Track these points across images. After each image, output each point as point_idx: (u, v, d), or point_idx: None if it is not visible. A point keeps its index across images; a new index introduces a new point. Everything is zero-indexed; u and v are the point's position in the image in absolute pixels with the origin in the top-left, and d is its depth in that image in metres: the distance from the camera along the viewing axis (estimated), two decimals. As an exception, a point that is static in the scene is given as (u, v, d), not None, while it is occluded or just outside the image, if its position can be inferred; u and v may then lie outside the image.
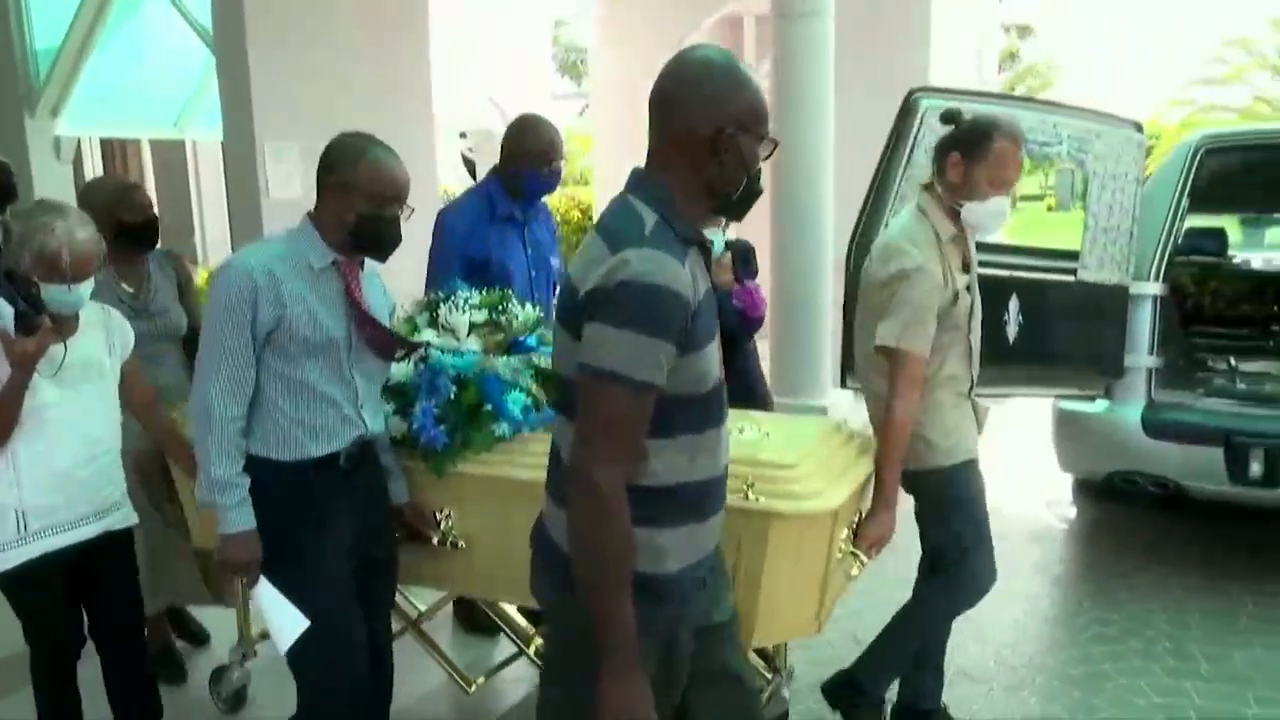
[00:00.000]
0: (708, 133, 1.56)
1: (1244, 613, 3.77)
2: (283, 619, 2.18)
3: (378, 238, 2.21)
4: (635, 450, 1.52)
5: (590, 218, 9.62)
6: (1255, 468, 3.70)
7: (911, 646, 2.78)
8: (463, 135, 13.01)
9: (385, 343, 2.31)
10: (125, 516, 2.52)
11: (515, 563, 2.37)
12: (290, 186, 4.70)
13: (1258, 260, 7.22)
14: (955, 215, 2.58)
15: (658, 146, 1.61)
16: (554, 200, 12.71)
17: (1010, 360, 3.53)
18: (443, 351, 2.53)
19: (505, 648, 3.28)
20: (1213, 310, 5.57)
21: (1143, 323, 3.92)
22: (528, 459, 2.36)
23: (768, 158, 1.63)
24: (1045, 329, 3.66)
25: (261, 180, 4.59)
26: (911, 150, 3.49)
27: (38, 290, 2.27)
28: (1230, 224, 8.55)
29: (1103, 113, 3.95)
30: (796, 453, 2.25)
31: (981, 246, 3.36)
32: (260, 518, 2.16)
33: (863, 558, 2.41)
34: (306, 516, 2.21)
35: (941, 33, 7.51)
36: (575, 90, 21.96)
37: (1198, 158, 4.14)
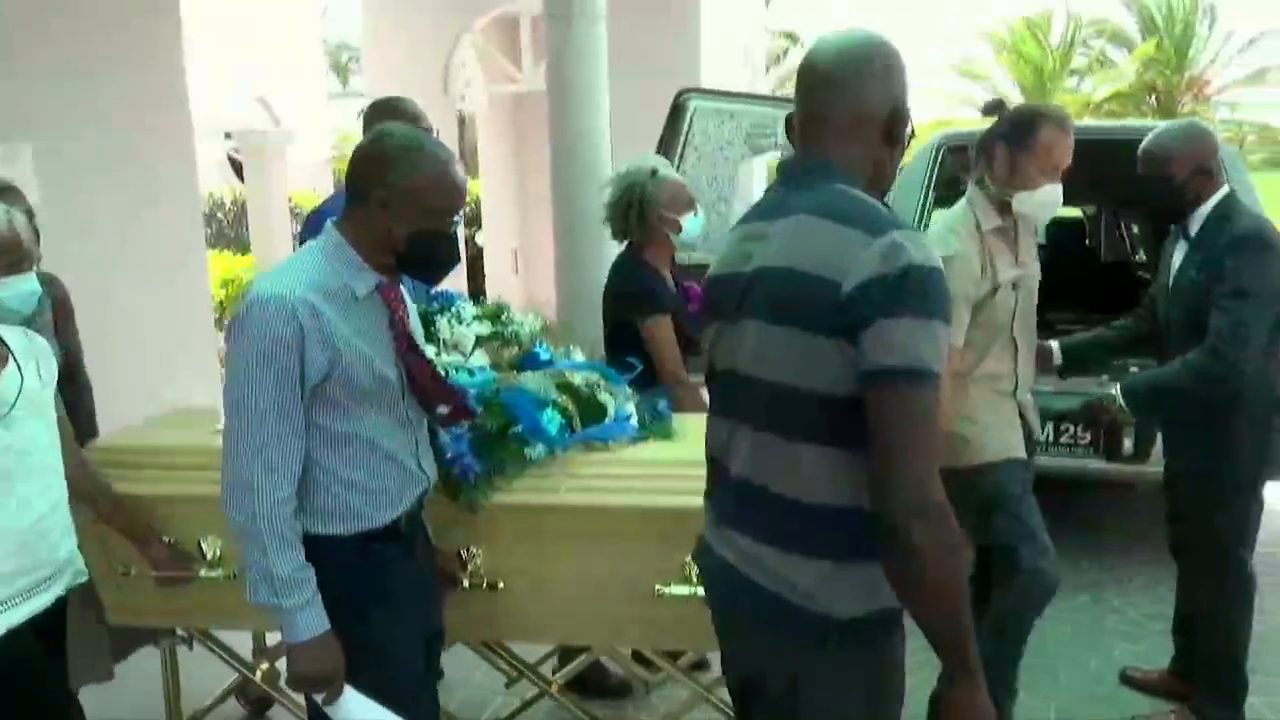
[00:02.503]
0: (884, 112, 1.44)
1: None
2: None
3: (435, 259, 1.83)
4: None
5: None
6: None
7: (1006, 658, 2.66)
8: (228, 136, 12.29)
9: (439, 394, 1.90)
10: (78, 573, 2.08)
11: (556, 599, 2.23)
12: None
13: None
14: (1004, 208, 2.54)
15: (831, 133, 1.45)
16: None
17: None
18: (456, 370, 2.26)
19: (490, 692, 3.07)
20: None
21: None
22: (561, 482, 2.17)
23: (905, 148, 1.52)
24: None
25: (-11, 187, 4.12)
26: (684, 148, 3.61)
27: None
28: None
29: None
30: None
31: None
32: (327, 611, 1.74)
33: None
34: (379, 600, 1.82)
35: (712, 35, 7.79)
36: (353, 89, 21.21)
37: (939, 156, 4.49)
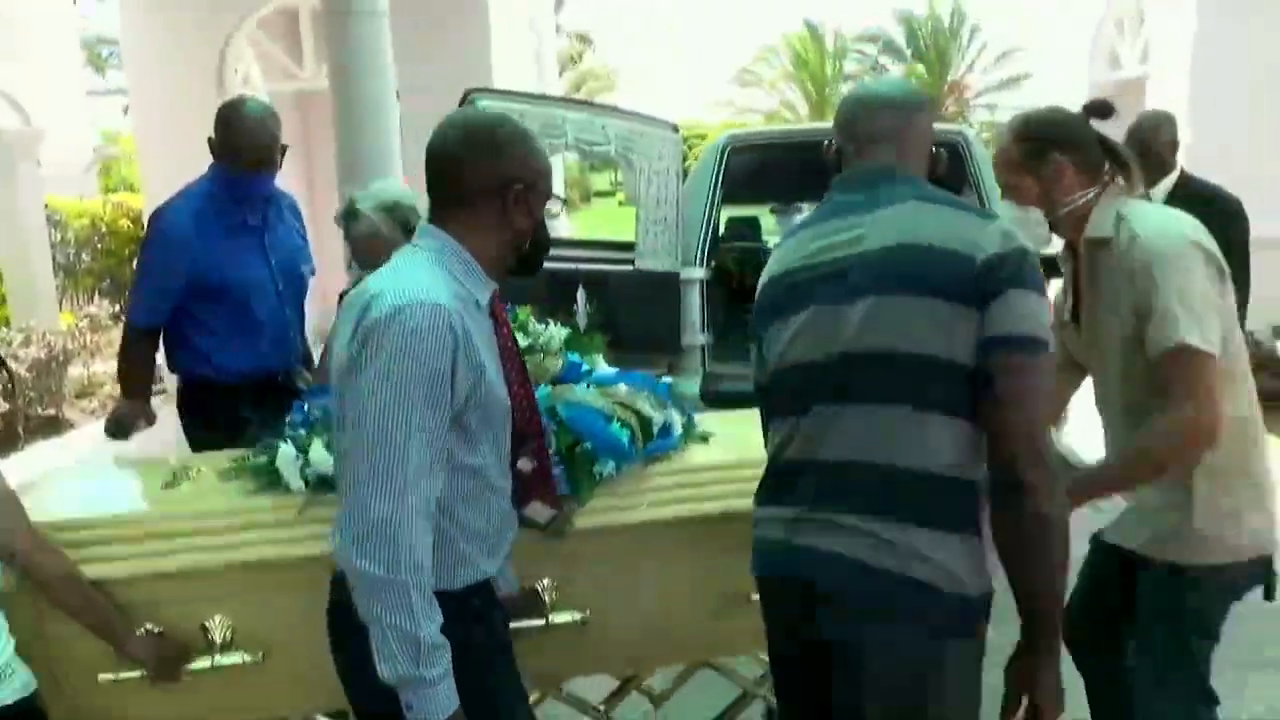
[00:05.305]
0: (930, 136, 1.69)
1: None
2: None
3: (548, 247, 1.69)
4: None
5: (141, 225, 8.62)
6: (791, 423, 4.27)
7: None
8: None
9: (533, 425, 1.68)
10: (21, 684, 1.62)
11: (647, 622, 2.05)
12: None
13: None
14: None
15: (899, 147, 1.63)
16: (97, 208, 11.27)
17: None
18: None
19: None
20: (754, 290, 6.29)
21: (693, 305, 4.35)
22: (641, 499, 2.01)
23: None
24: (611, 315, 3.93)
25: None
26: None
27: None
28: (765, 214, 9.78)
29: (645, 115, 4.32)
30: None
31: (554, 242, 3.50)
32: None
33: None
34: (492, 664, 1.57)
35: (502, 36, 7.74)
36: (118, 86, 19.66)
37: (725, 156, 4.65)
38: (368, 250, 2.54)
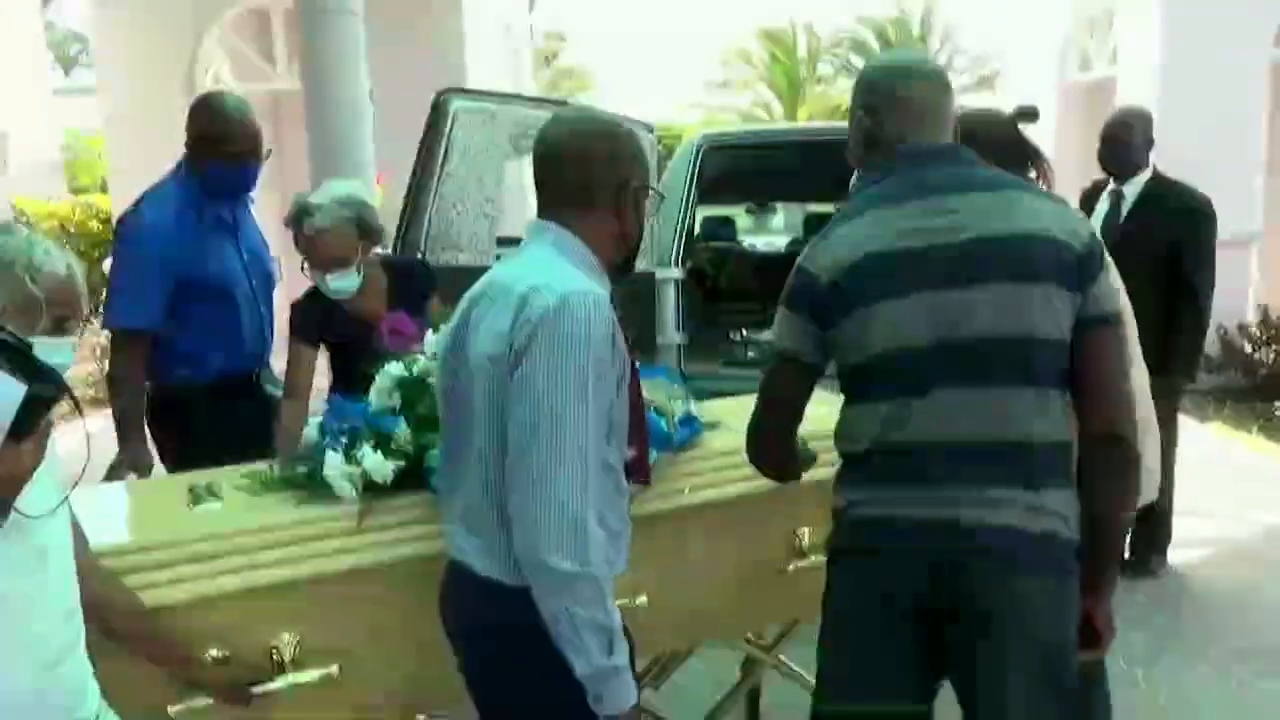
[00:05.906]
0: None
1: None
2: None
3: (639, 249, 1.66)
4: None
5: (110, 226, 8.51)
6: (767, 422, 4.28)
7: None
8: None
9: (641, 426, 1.68)
10: None
11: (694, 600, 2.16)
12: None
13: (762, 243, 8.38)
14: None
15: (945, 126, 1.72)
16: (65, 210, 11.12)
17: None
18: None
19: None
20: (729, 289, 6.34)
21: (668, 305, 4.35)
22: (683, 483, 2.09)
23: None
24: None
25: None
26: (447, 150, 3.54)
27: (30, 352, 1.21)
28: (740, 213, 9.81)
29: (618, 115, 4.31)
30: None
31: (515, 242, 3.48)
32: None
33: None
34: (631, 660, 1.56)
35: (476, 36, 7.72)
36: (87, 85, 19.41)
37: (700, 155, 4.65)
38: (320, 249, 2.47)
